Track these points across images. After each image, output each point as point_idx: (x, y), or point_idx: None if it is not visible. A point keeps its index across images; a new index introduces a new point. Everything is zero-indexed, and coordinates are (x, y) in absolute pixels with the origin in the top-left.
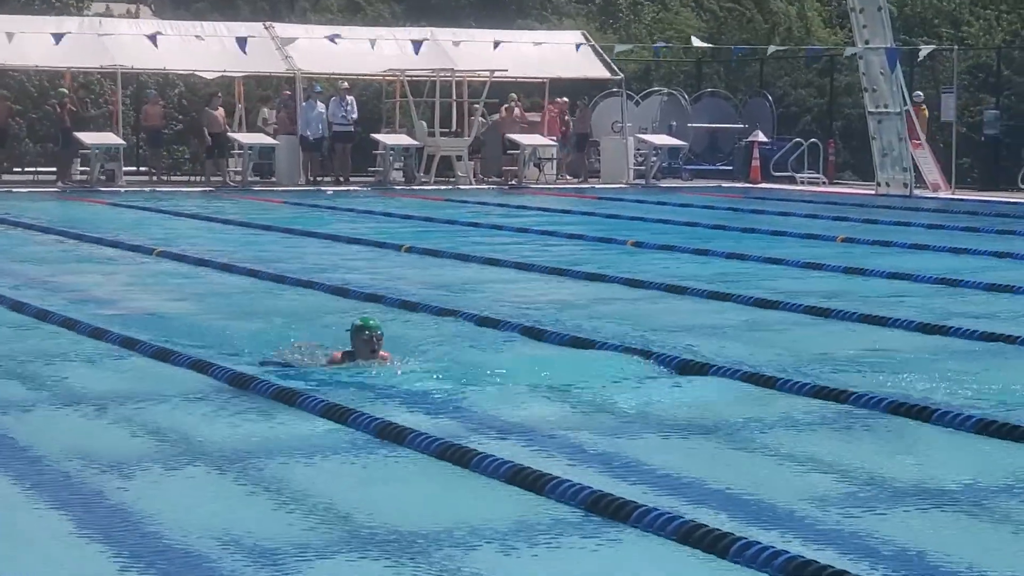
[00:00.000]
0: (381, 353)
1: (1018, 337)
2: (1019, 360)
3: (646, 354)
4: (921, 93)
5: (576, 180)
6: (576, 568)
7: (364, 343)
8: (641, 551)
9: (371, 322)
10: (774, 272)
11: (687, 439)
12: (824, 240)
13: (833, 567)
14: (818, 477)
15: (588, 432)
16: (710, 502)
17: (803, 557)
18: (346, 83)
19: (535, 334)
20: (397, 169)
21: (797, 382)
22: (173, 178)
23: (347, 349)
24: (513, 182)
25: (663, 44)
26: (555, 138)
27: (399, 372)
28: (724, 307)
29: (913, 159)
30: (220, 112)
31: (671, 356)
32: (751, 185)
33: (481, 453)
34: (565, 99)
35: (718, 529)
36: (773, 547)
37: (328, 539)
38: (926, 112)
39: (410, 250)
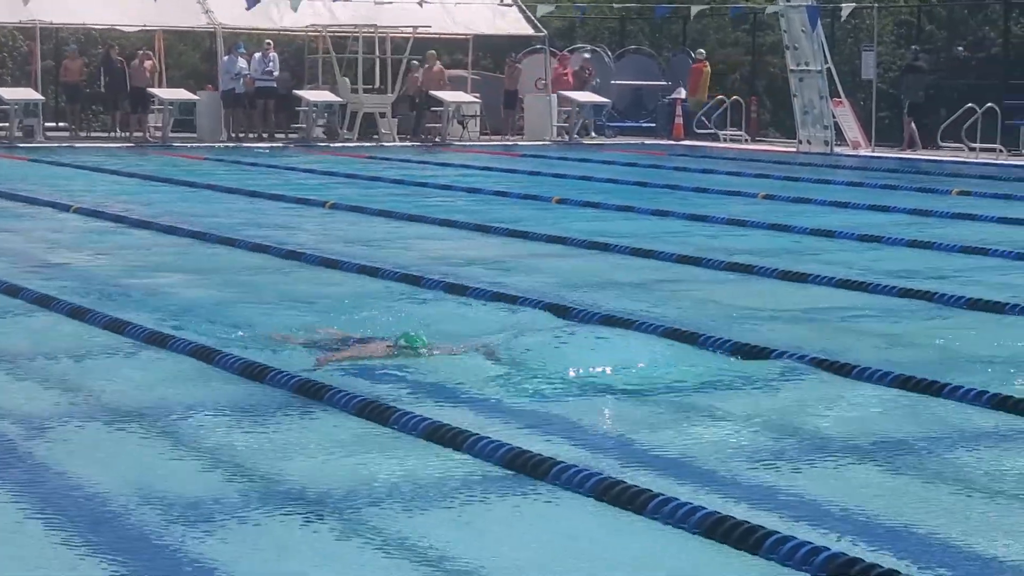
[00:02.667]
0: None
1: (935, 293)
2: (938, 316)
3: (568, 310)
4: (703, 51)
5: (500, 137)
6: (495, 525)
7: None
8: (561, 509)
9: (416, 344)
10: (696, 229)
11: (608, 396)
12: (746, 197)
13: (749, 522)
14: (738, 432)
15: (509, 390)
16: (631, 460)
17: (720, 513)
18: (269, 40)
19: (458, 291)
20: (320, 126)
21: (719, 338)
22: (93, 134)
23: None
24: (438, 139)
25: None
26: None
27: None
28: (646, 264)
29: (834, 117)
30: (148, 66)
31: (593, 312)
32: (674, 143)
33: (400, 410)
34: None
35: (636, 486)
36: (691, 503)
37: (244, 496)
38: (709, 69)
39: (333, 207)
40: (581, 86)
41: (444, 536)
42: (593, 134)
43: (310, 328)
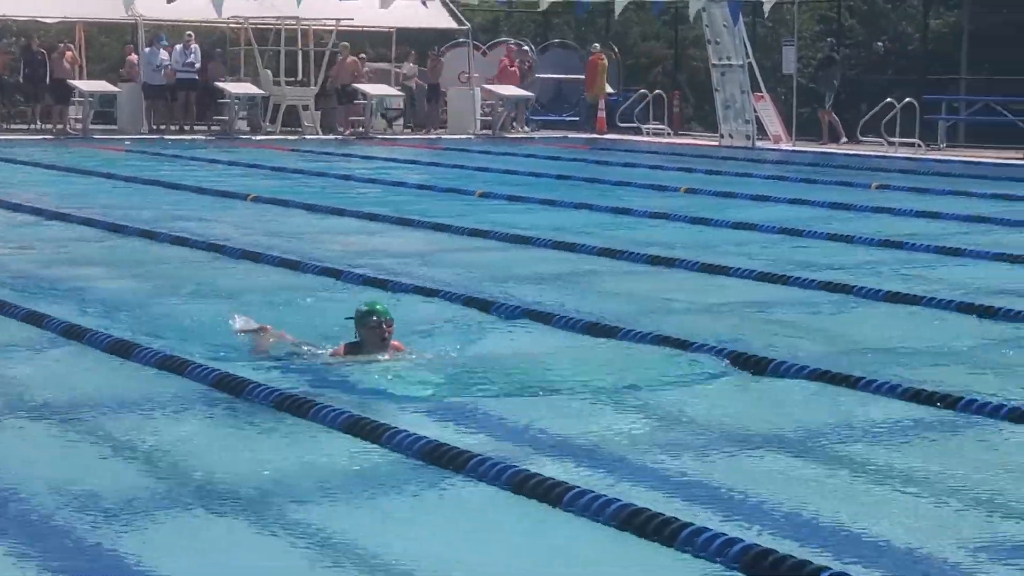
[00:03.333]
0: (393, 343)
1: (853, 286)
2: (857, 309)
3: (488, 304)
4: (598, 44)
5: (423, 131)
6: (414, 517)
7: (373, 331)
8: (478, 501)
9: (378, 306)
10: (619, 222)
11: (523, 389)
12: (668, 191)
13: (664, 514)
14: (655, 426)
15: (425, 383)
16: (546, 452)
17: (634, 505)
18: (190, 31)
19: (378, 284)
20: (242, 118)
21: (637, 331)
22: (13, 126)
23: (351, 340)
24: (360, 130)
25: None
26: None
27: (415, 362)
28: (569, 257)
29: (756, 111)
30: (68, 57)
31: (512, 306)
32: (597, 136)
33: (318, 404)
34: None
35: (551, 478)
36: (605, 496)
37: (166, 492)
38: (605, 62)
39: (256, 199)
40: (523, 79)
41: (362, 528)
42: (517, 126)
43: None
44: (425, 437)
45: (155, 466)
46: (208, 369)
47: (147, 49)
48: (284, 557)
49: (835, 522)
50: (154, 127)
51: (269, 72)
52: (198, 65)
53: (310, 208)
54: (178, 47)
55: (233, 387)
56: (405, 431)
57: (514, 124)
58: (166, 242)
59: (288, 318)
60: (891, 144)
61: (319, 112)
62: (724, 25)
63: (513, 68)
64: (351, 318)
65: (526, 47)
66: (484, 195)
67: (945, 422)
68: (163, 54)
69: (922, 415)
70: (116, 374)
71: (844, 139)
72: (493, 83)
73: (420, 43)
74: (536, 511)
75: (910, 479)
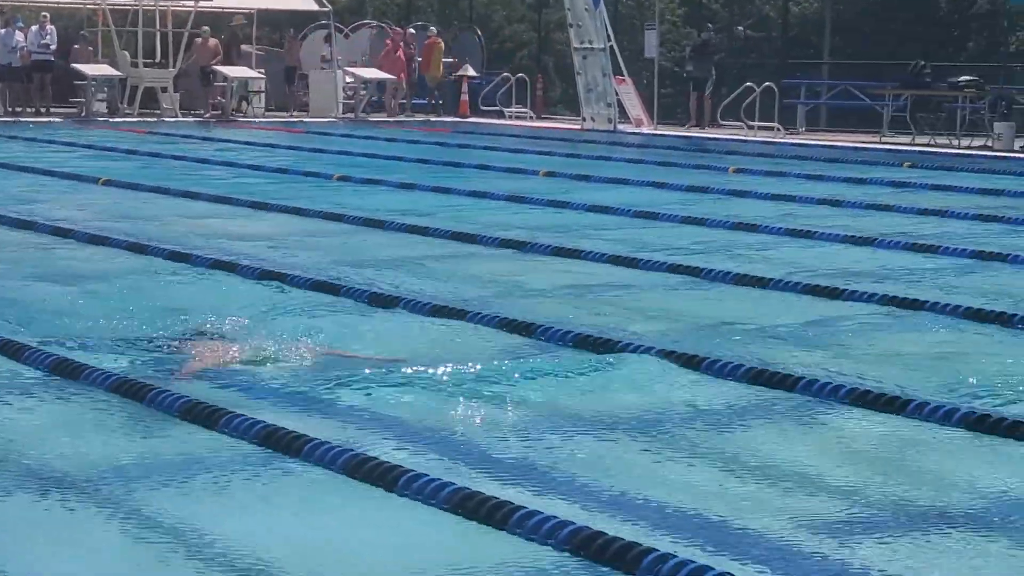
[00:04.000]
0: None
1: (702, 268)
2: (706, 291)
3: (337, 288)
4: (434, 28)
5: (284, 114)
6: (249, 502)
7: None
8: (315, 486)
9: None
10: (477, 206)
11: (370, 373)
12: (528, 174)
13: (497, 497)
14: (496, 409)
15: (269, 367)
16: (386, 436)
17: (468, 488)
18: (45, 12)
19: (228, 267)
20: (100, 100)
21: (485, 314)
22: None
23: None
24: (218, 113)
25: None
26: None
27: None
28: (423, 241)
29: (617, 95)
30: None
31: (362, 290)
32: (460, 120)
33: (156, 388)
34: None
35: (387, 462)
36: (440, 479)
37: None
38: (441, 46)
39: (108, 183)
40: (410, 64)
41: (197, 513)
42: (367, 109)
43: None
44: (263, 422)
45: None
46: (44, 354)
47: (2, 31)
48: (117, 543)
49: (670, 504)
50: (10, 109)
51: (127, 54)
52: (54, 47)
53: (162, 191)
54: (34, 28)
55: (70, 372)
56: (243, 416)
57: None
58: (10, 226)
59: (133, 302)
60: (750, 128)
61: (178, 94)
62: (585, 8)
63: (399, 54)
64: None
65: (412, 30)
66: (342, 179)
67: (785, 403)
68: (19, 35)
69: (763, 396)
70: None
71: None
72: (380, 66)
73: (280, 24)
74: (372, 494)
75: (747, 460)
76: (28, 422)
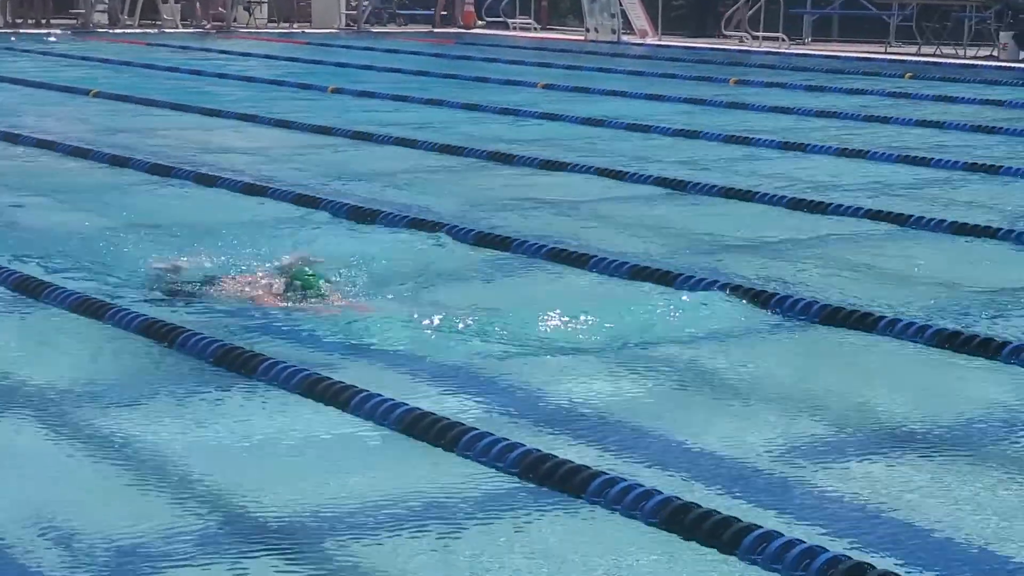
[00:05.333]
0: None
1: (690, 182)
2: (693, 205)
3: (316, 201)
4: None
5: (287, 25)
6: (208, 419)
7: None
8: (269, 403)
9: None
10: (470, 119)
11: (351, 288)
12: (526, 87)
13: (447, 418)
14: (461, 324)
15: (239, 283)
16: (343, 356)
17: (420, 409)
18: None
19: (207, 181)
20: (100, 11)
21: (462, 228)
22: None
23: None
24: (219, 24)
25: None
26: None
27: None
28: (410, 154)
29: (621, 5)
30: None
31: (340, 203)
32: (463, 31)
33: (115, 307)
34: None
35: (340, 382)
36: (381, 395)
37: None
38: None
39: (98, 95)
40: None
41: (155, 431)
42: (370, 20)
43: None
44: (219, 340)
45: None
46: (7, 271)
47: None
48: (76, 462)
49: (649, 430)
50: (10, 20)
51: None
52: None
53: (152, 103)
54: None
55: (31, 290)
56: (200, 335)
57: (382, 18)
58: None
59: (115, 215)
60: (755, 39)
61: (179, 5)
62: None
63: None
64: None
65: None
66: (336, 91)
67: (767, 322)
68: None
69: (745, 314)
70: None
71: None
72: None
73: None
74: (329, 414)
75: (730, 380)
76: None
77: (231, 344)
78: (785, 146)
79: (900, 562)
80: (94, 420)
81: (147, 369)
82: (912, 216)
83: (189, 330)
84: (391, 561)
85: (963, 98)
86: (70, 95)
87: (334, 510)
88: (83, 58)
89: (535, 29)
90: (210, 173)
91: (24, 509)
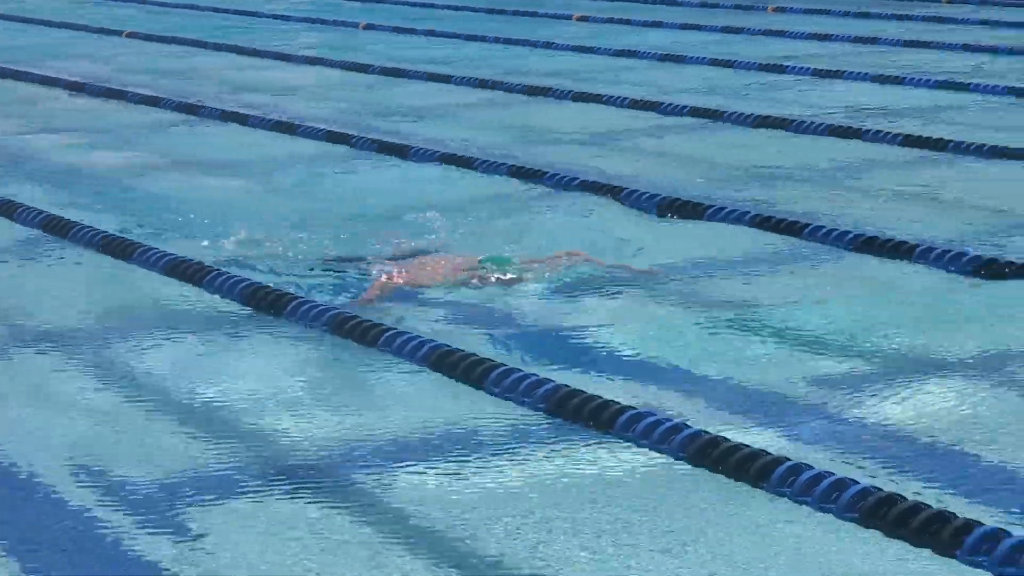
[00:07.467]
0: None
1: (724, 112)
2: (725, 134)
3: (348, 137)
4: None
5: None
6: (232, 360)
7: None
8: (298, 344)
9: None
10: (506, 53)
11: (360, 225)
12: (561, 19)
13: (476, 354)
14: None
15: (260, 221)
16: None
17: (448, 346)
18: None
19: (240, 119)
20: None
21: (492, 162)
22: None
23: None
24: None
25: None
26: None
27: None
28: (443, 89)
29: None
30: None
31: (369, 139)
32: None
33: (144, 246)
34: None
35: (368, 321)
36: (420, 336)
37: None
38: None
39: (131, 35)
40: None
41: (184, 366)
42: None
43: None
44: (247, 280)
45: None
46: (36, 211)
47: None
48: (97, 395)
49: (672, 360)
50: None
51: None
52: None
53: (184, 43)
54: None
55: (60, 228)
56: (227, 273)
57: None
58: (29, 80)
59: (136, 156)
60: None
61: None
62: None
63: None
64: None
65: None
66: (368, 27)
67: (794, 250)
68: None
69: (772, 242)
70: None
71: None
72: None
73: None
74: (356, 352)
75: (758, 309)
76: (18, 278)
77: (260, 283)
78: (820, 73)
79: None
80: (111, 354)
81: (176, 307)
82: (950, 141)
83: (216, 269)
84: None
85: (1008, 22)
86: (104, 36)
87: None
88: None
89: None
90: (238, 111)
91: (61, 447)
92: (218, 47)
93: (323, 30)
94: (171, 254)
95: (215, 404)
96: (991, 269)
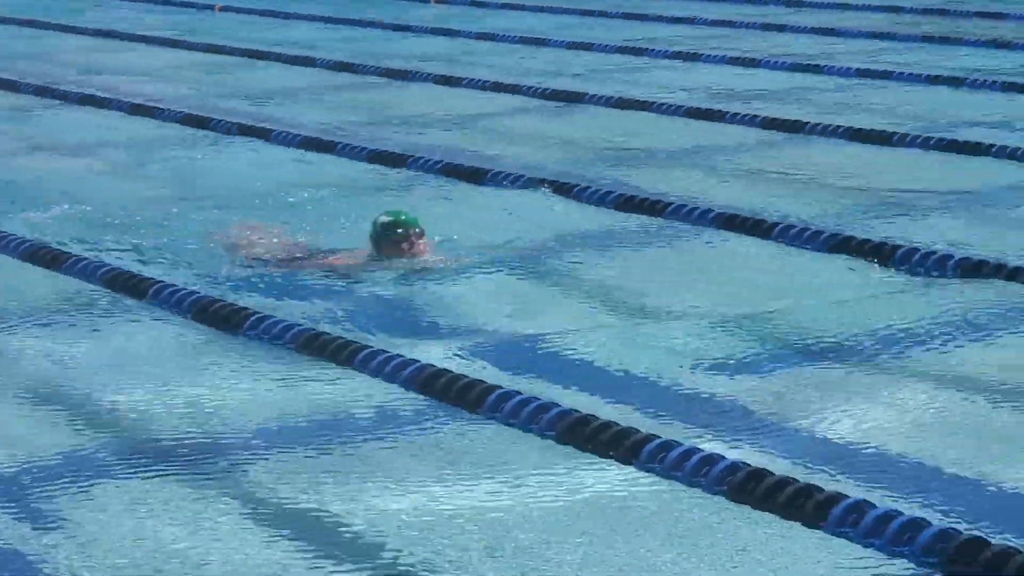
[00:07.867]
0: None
1: (584, 94)
2: (585, 116)
3: (207, 120)
4: None
5: None
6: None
7: (396, 247)
8: (163, 325)
9: (402, 216)
10: (362, 35)
11: (220, 203)
12: (419, 2)
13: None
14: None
15: (117, 198)
16: (231, 277)
17: (314, 329)
18: None
19: (96, 102)
20: None
21: (355, 146)
22: None
23: (359, 249)
24: None
25: None
26: None
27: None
28: (304, 72)
29: None
30: None
31: (229, 122)
32: None
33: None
34: None
35: (228, 302)
36: (286, 321)
37: None
38: None
39: None
40: None
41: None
42: None
43: None
44: (107, 264)
45: None
46: None
47: None
48: None
49: (532, 335)
50: None
51: None
52: None
53: (42, 26)
54: None
55: None
56: (87, 259)
57: None
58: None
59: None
60: None
61: None
62: None
63: None
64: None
65: None
66: (223, 9)
67: (651, 228)
68: None
69: (630, 222)
70: None
71: None
72: None
73: None
74: (214, 336)
75: (610, 286)
76: None
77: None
78: (678, 56)
79: None
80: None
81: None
82: (807, 123)
83: (76, 255)
84: None
85: (860, 5)
86: None
87: None
88: None
89: None
90: (95, 95)
91: None
92: (75, 30)
93: (179, 12)
94: (29, 240)
95: (72, 386)
96: (846, 247)
